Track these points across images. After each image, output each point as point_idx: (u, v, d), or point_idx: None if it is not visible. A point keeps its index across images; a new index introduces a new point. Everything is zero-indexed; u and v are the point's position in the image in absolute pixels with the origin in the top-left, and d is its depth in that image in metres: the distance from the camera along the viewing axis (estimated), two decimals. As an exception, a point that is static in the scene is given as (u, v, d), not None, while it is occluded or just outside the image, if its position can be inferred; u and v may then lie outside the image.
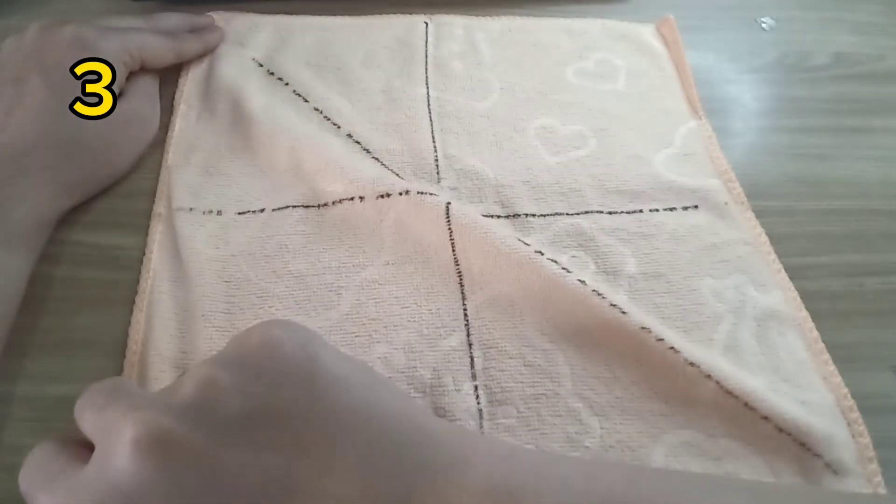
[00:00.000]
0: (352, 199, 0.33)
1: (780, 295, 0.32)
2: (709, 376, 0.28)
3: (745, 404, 0.27)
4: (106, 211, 0.34)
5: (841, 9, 0.48)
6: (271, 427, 0.20)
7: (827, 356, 0.30)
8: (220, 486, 0.19)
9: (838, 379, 0.29)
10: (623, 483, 0.21)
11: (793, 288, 0.32)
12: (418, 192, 0.32)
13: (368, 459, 0.20)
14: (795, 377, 0.29)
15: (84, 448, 0.21)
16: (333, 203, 0.33)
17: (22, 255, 0.29)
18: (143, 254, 0.32)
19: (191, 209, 0.33)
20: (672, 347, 0.28)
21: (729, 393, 0.27)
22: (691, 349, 0.28)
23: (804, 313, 0.31)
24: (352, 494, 0.19)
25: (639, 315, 0.29)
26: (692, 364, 0.28)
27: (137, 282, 0.31)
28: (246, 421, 0.20)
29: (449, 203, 0.32)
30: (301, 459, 0.19)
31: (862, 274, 0.34)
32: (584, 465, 0.22)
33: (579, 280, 0.29)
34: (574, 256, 0.32)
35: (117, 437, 0.19)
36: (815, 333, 0.30)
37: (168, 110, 0.38)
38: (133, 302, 0.30)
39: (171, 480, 0.18)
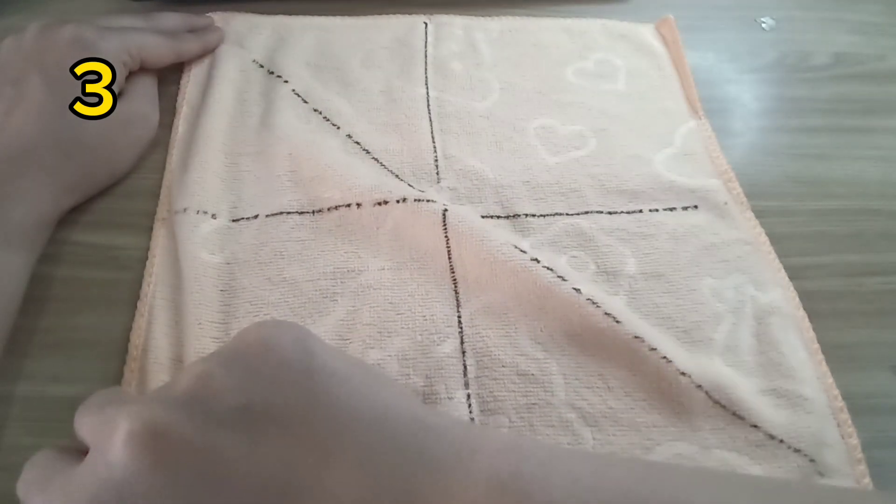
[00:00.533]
0: (349, 205, 0.33)
1: (780, 294, 0.32)
2: (699, 386, 0.28)
3: (734, 413, 0.27)
4: (106, 211, 0.34)
5: (841, 9, 0.48)
6: (269, 422, 0.19)
7: (821, 356, 0.30)
8: (217, 479, 0.18)
9: (830, 380, 0.29)
10: (632, 478, 0.21)
11: (792, 288, 0.32)
12: (415, 200, 0.32)
13: (369, 455, 0.20)
14: (794, 377, 0.29)
15: (82, 453, 0.21)
16: (329, 209, 0.33)
17: (22, 255, 0.29)
18: (145, 255, 0.32)
19: (185, 209, 0.33)
20: (665, 357, 0.28)
21: (717, 403, 0.27)
22: (684, 358, 0.28)
23: (802, 313, 0.31)
24: (352, 491, 0.19)
25: (633, 324, 0.29)
26: (684, 374, 0.28)
27: (138, 282, 0.31)
28: (243, 416, 0.19)
29: (446, 210, 0.32)
30: (300, 455, 0.19)
31: (861, 274, 0.34)
32: (591, 460, 0.22)
33: (574, 288, 0.29)
34: (574, 257, 0.32)
35: (112, 431, 0.19)
36: (812, 333, 0.30)
37: (169, 111, 0.38)
38: (133, 303, 0.30)
39: (167, 473, 0.18)
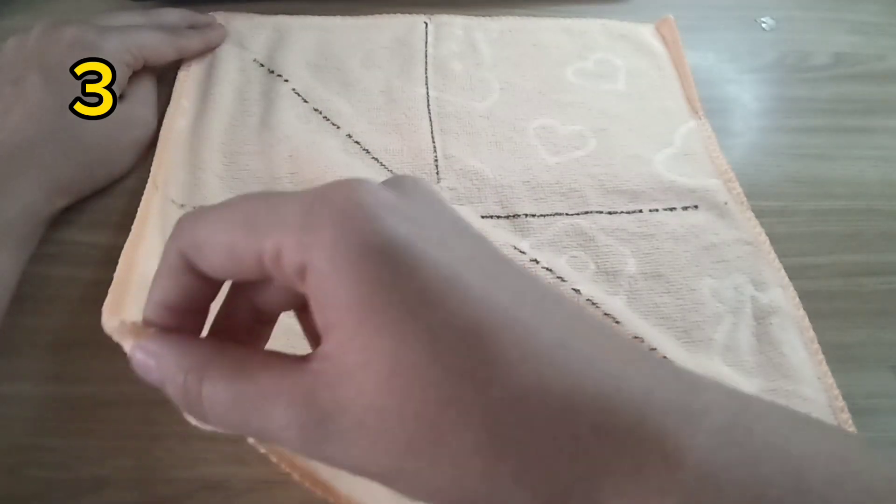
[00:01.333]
0: None
1: (780, 294, 0.32)
2: None
3: None
4: (105, 211, 0.34)
5: (841, 9, 0.48)
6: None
7: (821, 356, 0.30)
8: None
9: (831, 380, 0.29)
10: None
11: (792, 287, 0.32)
12: None
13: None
14: (794, 377, 0.29)
15: None
16: None
17: (14, 254, 0.29)
18: (129, 242, 0.30)
19: (182, 206, 0.32)
20: (664, 357, 0.28)
21: None
22: (684, 358, 0.28)
23: (802, 312, 0.31)
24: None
25: (633, 324, 0.29)
26: None
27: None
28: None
29: None
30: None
31: (861, 274, 0.34)
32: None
33: (574, 289, 0.29)
34: (574, 256, 0.32)
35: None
36: (812, 333, 0.30)
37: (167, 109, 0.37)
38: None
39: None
